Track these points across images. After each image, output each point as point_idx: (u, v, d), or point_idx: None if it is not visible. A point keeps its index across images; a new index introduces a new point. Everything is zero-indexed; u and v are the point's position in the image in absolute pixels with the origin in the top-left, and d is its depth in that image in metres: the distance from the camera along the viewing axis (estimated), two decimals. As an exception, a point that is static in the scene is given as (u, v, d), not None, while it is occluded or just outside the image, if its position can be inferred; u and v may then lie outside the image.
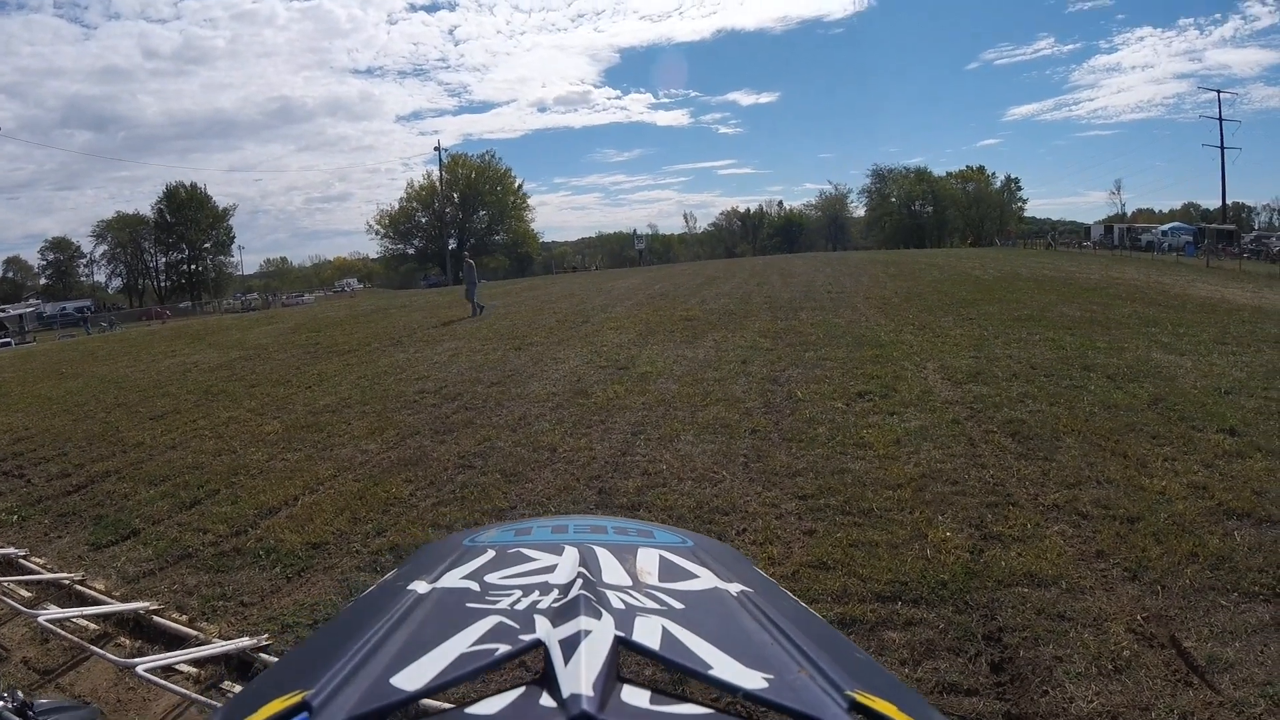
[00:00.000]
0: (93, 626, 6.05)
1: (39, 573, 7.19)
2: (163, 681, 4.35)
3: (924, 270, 33.93)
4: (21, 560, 7.54)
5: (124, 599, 6.40)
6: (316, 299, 77.78)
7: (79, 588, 6.77)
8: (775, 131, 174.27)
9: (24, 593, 6.82)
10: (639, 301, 26.47)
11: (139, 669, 4.39)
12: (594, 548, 1.33)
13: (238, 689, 4.77)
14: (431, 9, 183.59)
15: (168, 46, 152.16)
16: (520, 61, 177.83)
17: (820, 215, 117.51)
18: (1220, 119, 74.66)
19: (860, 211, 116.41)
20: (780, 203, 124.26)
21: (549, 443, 9.34)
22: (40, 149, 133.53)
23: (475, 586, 1.16)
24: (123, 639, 5.84)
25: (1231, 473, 7.00)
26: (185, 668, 5.00)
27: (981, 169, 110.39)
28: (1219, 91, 77.69)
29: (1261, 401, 9.26)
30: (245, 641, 5.13)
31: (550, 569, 1.22)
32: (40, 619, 5.32)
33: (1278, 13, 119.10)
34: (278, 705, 0.86)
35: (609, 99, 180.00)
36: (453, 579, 1.21)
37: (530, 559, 1.28)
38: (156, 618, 6.00)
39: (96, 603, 6.37)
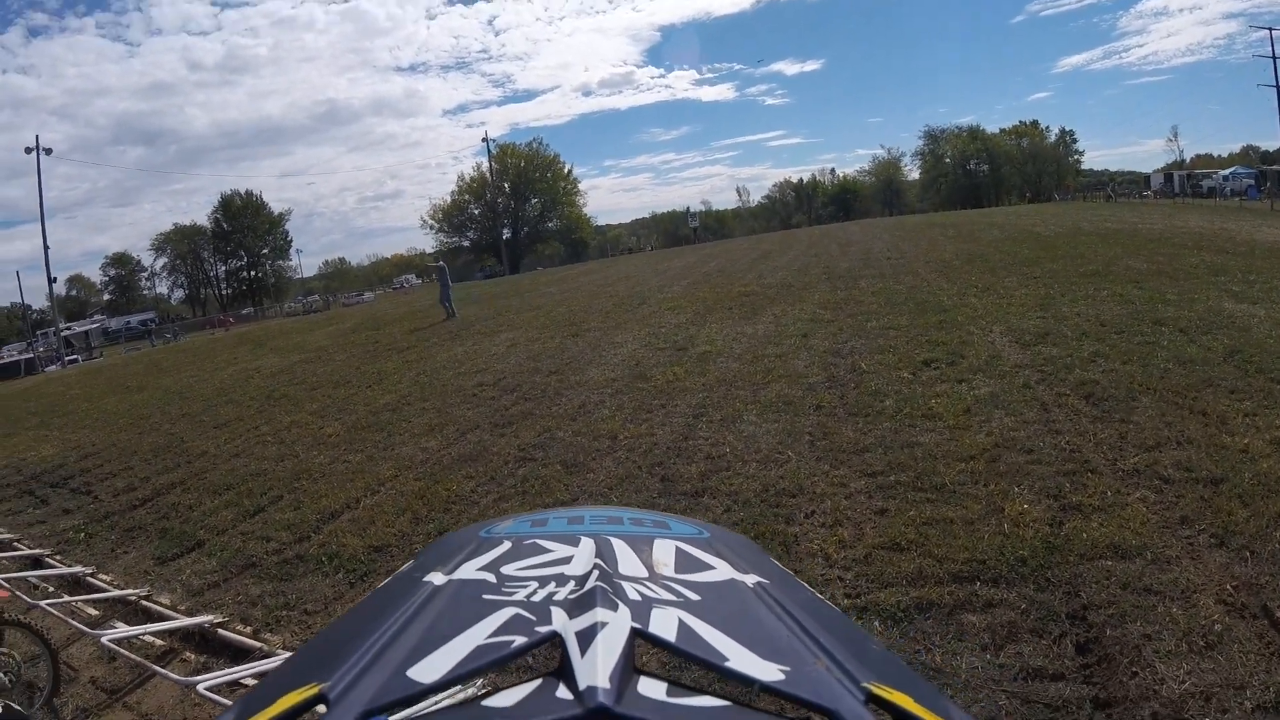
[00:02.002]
0: (159, 643, 6.14)
1: (106, 590, 7.34)
2: (225, 700, 4.35)
3: (984, 230, 33.39)
4: (89, 578, 7.73)
5: (189, 612, 6.52)
6: (376, 297, 78.68)
7: (145, 603, 6.90)
8: (823, 99, 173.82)
9: (92, 611, 6.98)
10: (695, 280, 26.39)
11: (200, 687, 4.41)
12: (610, 539, 1.30)
13: None
14: (468, 1, 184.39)
15: (211, 58, 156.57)
16: (561, 47, 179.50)
17: (874, 181, 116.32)
18: (1274, 57, 72.09)
19: (915, 174, 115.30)
20: (833, 170, 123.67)
21: (609, 430, 9.29)
22: (93, 167, 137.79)
23: (492, 578, 1.15)
24: (188, 654, 5.95)
25: (1319, 426, 6.71)
26: (251, 680, 5.00)
27: (1035, 123, 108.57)
28: (1270, 29, 75.31)
29: (1345, 347, 8.89)
30: None
31: (567, 560, 1.19)
32: (103, 639, 5.37)
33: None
34: (294, 698, 0.84)
35: (652, 78, 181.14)
36: (469, 570, 1.19)
37: (546, 550, 1.26)
38: (221, 630, 6.09)
39: (162, 618, 6.48)
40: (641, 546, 1.27)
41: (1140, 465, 6.25)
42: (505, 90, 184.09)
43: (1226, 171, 65.65)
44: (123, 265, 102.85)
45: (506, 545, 1.30)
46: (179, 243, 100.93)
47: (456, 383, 13.86)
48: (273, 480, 9.69)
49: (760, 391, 10.01)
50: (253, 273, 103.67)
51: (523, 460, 8.78)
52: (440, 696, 0.88)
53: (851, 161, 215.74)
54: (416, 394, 13.49)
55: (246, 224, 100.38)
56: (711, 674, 0.87)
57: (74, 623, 6.09)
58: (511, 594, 1.05)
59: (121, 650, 5.56)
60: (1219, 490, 5.62)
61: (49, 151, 63.37)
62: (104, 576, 7.74)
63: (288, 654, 5.20)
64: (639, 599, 1.01)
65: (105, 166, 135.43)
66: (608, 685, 0.79)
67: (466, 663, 0.87)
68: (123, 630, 5.94)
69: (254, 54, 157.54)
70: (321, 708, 0.82)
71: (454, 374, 14.83)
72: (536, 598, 1.03)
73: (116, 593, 7.14)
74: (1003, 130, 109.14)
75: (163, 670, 5.24)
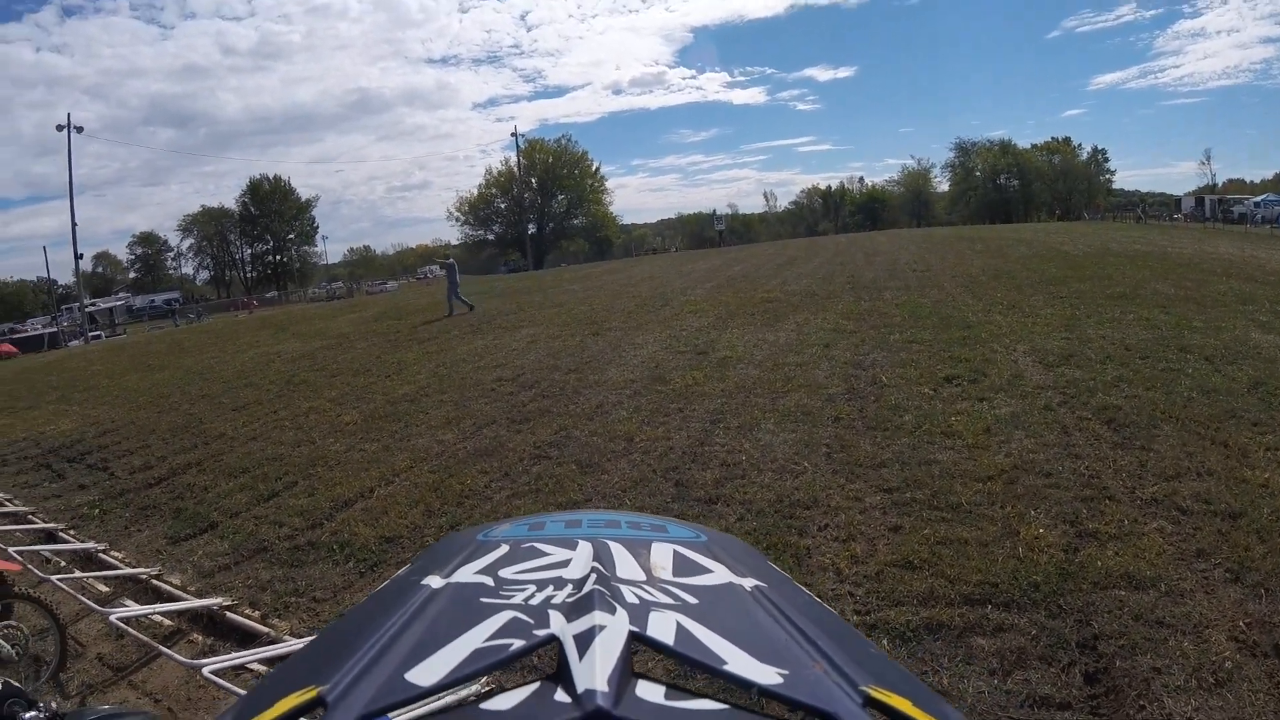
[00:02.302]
0: (167, 622, 6.19)
1: (117, 567, 7.41)
2: (228, 684, 4.38)
3: (1011, 246, 33.19)
4: (101, 555, 7.82)
5: (199, 594, 6.58)
6: (399, 286, 78.95)
7: (155, 583, 6.97)
8: (854, 107, 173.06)
9: (102, 588, 7.04)
10: (719, 284, 26.35)
11: (205, 670, 4.44)
12: (608, 542, 1.30)
13: None
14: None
15: (245, 43, 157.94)
16: (593, 44, 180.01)
17: (903, 191, 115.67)
18: None
19: (944, 186, 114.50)
20: (861, 179, 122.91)
21: (626, 432, 9.30)
22: (124, 147, 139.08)
23: (489, 581, 1.15)
24: (195, 635, 6.01)
25: (1341, 463, 6.64)
26: (256, 665, 5.05)
27: (1067, 140, 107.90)
28: None
29: (1371, 384, 8.80)
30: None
31: (564, 563, 1.20)
32: (112, 617, 5.42)
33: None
34: (292, 701, 0.85)
35: (684, 79, 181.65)
36: (467, 574, 1.19)
37: (544, 553, 1.26)
38: (230, 614, 6.14)
39: (172, 598, 6.54)
40: (639, 550, 1.27)
41: (1159, 495, 6.20)
42: (536, 86, 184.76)
43: (1259, 199, 65.19)
44: (150, 245, 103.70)
45: (504, 549, 1.30)
46: (206, 224, 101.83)
47: (475, 376, 13.91)
48: (288, 465, 9.76)
49: (779, 400, 9.99)
50: (278, 257, 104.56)
51: (538, 458, 8.80)
52: (438, 699, 0.88)
53: (881, 171, 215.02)
54: (435, 386, 13.54)
55: (274, 208, 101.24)
56: (709, 677, 0.87)
57: (83, 599, 6.14)
58: (509, 597, 1.06)
59: (129, 629, 5.61)
60: (1237, 524, 5.56)
61: (80, 130, 63.67)
62: (116, 554, 7.81)
63: (294, 640, 5.25)
64: (637, 602, 1.02)
65: (136, 146, 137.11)
66: (606, 688, 0.79)
67: (465, 665, 0.87)
68: (132, 609, 5.99)
69: (287, 40, 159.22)
70: (320, 710, 0.82)
71: (473, 367, 14.88)
72: (534, 601, 1.03)
73: (127, 570, 7.21)
74: (1034, 146, 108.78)
75: (169, 651, 5.33)
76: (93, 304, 66.98)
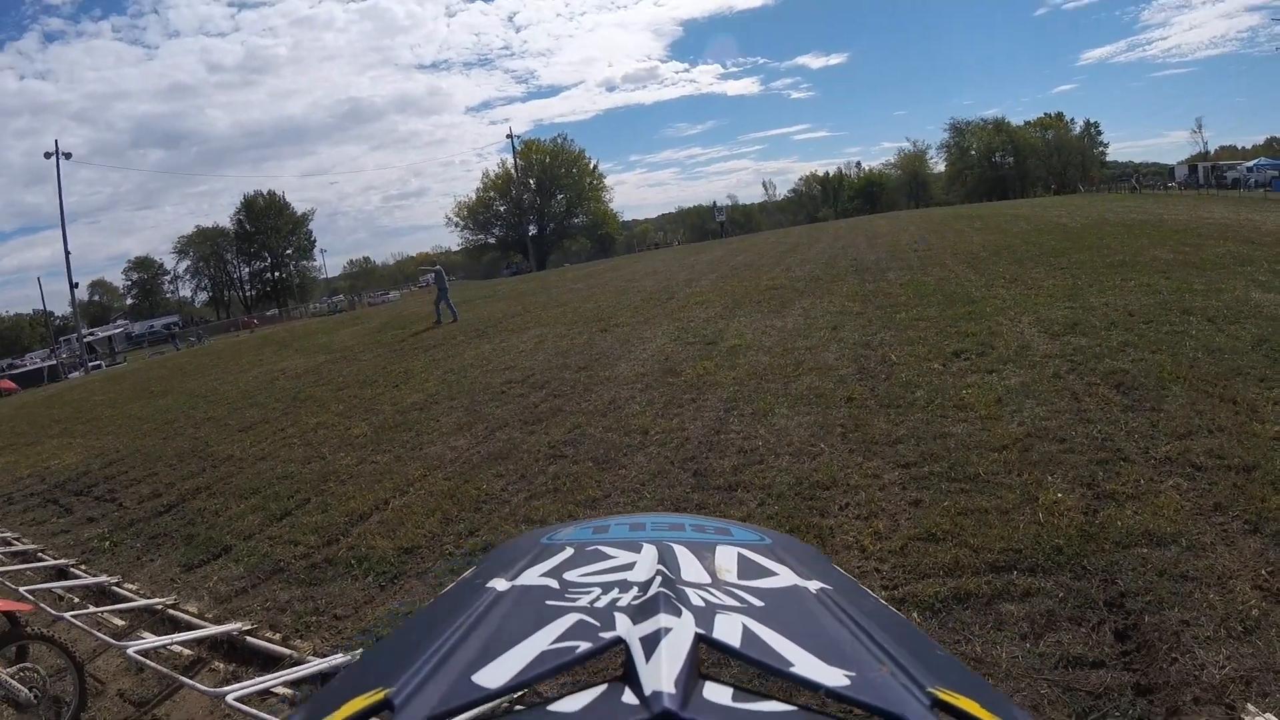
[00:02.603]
0: (186, 652, 6.09)
1: (132, 599, 7.27)
2: (254, 711, 4.26)
3: (1010, 222, 33.21)
4: (115, 588, 7.66)
5: (217, 620, 6.46)
6: (401, 296, 78.74)
7: (172, 612, 6.83)
8: (848, 92, 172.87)
9: (118, 621, 6.91)
10: (723, 274, 26.36)
11: (229, 698, 4.32)
12: (672, 545, 1.33)
13: None
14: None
15: (231, 59, 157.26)
16: (584, 43, 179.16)
17: (900, 174, 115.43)
18: None
19: (940, 167, 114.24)
20: (859, 164, 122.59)
21: (640, 426, 9.32)
22: (115, 171, 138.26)
23: (555, 584, 1.18)
24: (217, 663, 5.91)
25: (1349, 413, 6.70)
26: (281, 689, 5.01)
27: (1060, 116, 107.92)
28: None
29: (1372, 337, 8.86)
30: (339, 659, 5.07)
31: (629, 566, 1.22)
32: (129, 650, 5.27)
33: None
34: (360, 703, 0.88)
35: (677, 73, 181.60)
36: (532, 577, 1.23)
37: (609, 556, 1.29)
38: (250, 638, 6.03)
39: (190, 627, 6.40)
40: (704, 553, 1.30)
41: (1172, 453, 6.25)
42: (529, 86, 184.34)
43: (1251, 163, 65.08)
44: (145, 269, 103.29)
45: (569, 552, 1.34)
46: (202, 245, 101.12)
47: (484, 380, 13.91)
48: (299, 483, 9.69)
49: (791, 385, 10.03)
50: (277, 273, 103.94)
51: (553, 457, 8.80)
52: (505, 701, 0.93)
53: (877, 155, 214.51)
54: (444, 392, 13.53)
55: (270, 224, 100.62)
56: (776, 679, 0.90)
57: (99, 634, 6.08)
58: (575, 600, 1.09)
59: (148, 661, 5.48)
60: (1251, 477, 5.61)
61: (69, 156, 63.43)
62: (130, 585, 7.69)
63: (318, 660, 5.19)
64: (702, 605, 1.04)
65: (127, 169, 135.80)
66: (673, 690, 0.81)
67: (531, 668, 0.90)
68: (150, 640, 5.85)
69: (274, 54, 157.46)
70: (388, 712, 0.85)
71: (481, 371, 14.87)
72: (600, 603, 1.06)
73: (142, 602, 7.07)
74: (1027, 123, 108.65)
75: (190, 681, 5.18)
76: (91, 333, 66.26)
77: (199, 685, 5.06)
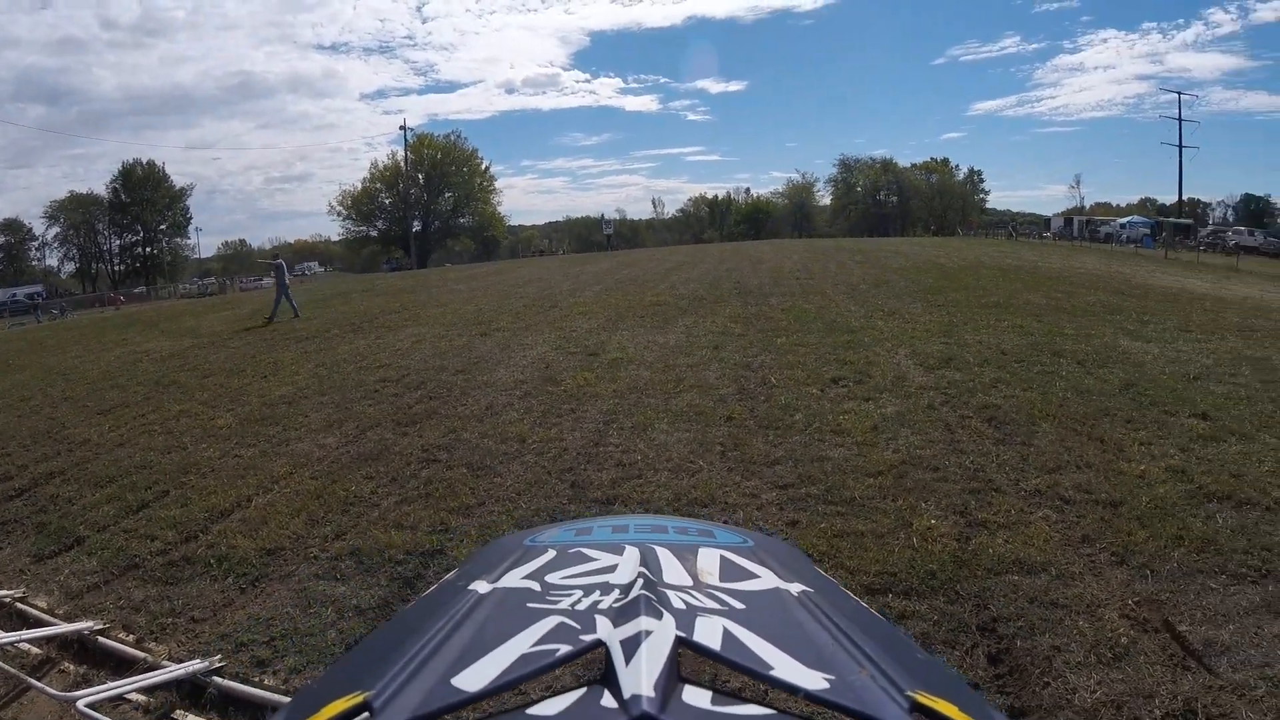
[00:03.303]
0: (35, 650, 5.67)
1: None
2: (105, 719, 4.07)
3: (890, 258, 34.07)
4: None
5: (68, 617, 6.04)
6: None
7: (20, 606, 6.35)
8: (743, 119, 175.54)
9: None
10: (608, 286, 26.36)
11: (80, 704, 4.11)
12: (654, 547, 1.34)
13: (191, 719, 4.56)
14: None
15: (127, 17, 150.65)
16: (489, 41, 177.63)
17: (787, 203, 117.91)
18: (1180, 119, 77.49)
19: (826, 200, 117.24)
20: (747, 190, 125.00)
21: (518, 433, 9.17)
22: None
23: (536, 586, 1.18)
24: (67, 664, 5.49)
25: (1208, 456, 7.05)
26: (135, 696, 4.73)
27: (945, 161, 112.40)
28: (1179, 93, 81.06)
29: (1230, 387, 9.38)
30: (197, 664, 4.83)
31: (611, 569, 1.22)
32: None
33: (1239, 20, 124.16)
34: (339, 706, 0.86)
35: (578, 82, 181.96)
36: (514, 579, 1.23)
37: (591, 559, 1.29)
38: (102, 639, 5.63)
39: (39, 623, 5.96)
40: (686, 555, 1.30)
41: (1042, 486, 6.47)
42: (427, 79, 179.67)
43: (1124, 220, 69.34)
44: (13, 232, 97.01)
45: (551, 554, 1.34)
46: (73, 212, 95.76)
47: (358, 377, 13.55)
48: (159, 474, 9.20)
49: (671, 400, 10.03)
50: (148, 249, 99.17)
51: (427, 461, 8.57)
52: (484, 705, 0.88)
53: (766, 183, 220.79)
54: (315, 387, 13.12)
55: (146, 197, 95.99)
56: (756, 682, 0.89)
57: None
58: (556, 602, 1.09)
59: None
60: (1118, 512, 5.85)
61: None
62: None
63: (174, 665, 4.93)
64: (683, 607, 1.04)
65: (4, 123, 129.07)
66: (652, 694, 0.80)
67: (511, 671, 0.89)
68: None
69: (171, 16, 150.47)
70: (366, 715, 0.84)
71: (355, 368, 14.48)
72: (581, 606, 1.06)
73: None
74: (914, 165, 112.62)
75: (39, 684, 4.87)
76: (-56, 300, 63.06)
77: (48, 689, 4.73)
